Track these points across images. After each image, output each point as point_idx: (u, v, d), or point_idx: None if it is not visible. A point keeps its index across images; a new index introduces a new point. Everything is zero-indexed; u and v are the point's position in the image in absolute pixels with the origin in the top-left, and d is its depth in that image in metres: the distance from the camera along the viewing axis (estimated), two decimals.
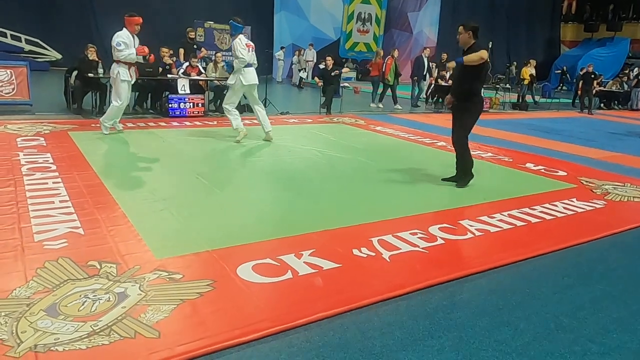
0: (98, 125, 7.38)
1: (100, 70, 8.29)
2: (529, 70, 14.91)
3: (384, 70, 12.25)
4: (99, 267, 2.77)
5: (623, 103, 17.28)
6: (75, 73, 8.34)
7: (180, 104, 8.69)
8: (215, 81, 9.61)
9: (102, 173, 4.71)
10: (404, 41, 23.02)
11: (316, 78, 11.05)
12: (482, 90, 5.33)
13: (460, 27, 4.87)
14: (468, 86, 4.90)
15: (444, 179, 5.27)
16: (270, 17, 19.86)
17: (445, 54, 14.16)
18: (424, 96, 13.81)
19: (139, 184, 4.53)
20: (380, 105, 12.38)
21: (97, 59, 8.43)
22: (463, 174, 5.17)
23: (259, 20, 19.91)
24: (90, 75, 8.07)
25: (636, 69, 22.77)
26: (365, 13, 22.65)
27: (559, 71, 20.14)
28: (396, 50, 12.85)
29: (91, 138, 6.43)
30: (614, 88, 17.03)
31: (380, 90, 12.54)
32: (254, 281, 2.76)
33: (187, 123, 8.19)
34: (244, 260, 2.99)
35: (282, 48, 18.49)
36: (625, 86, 17.26)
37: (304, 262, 3.03)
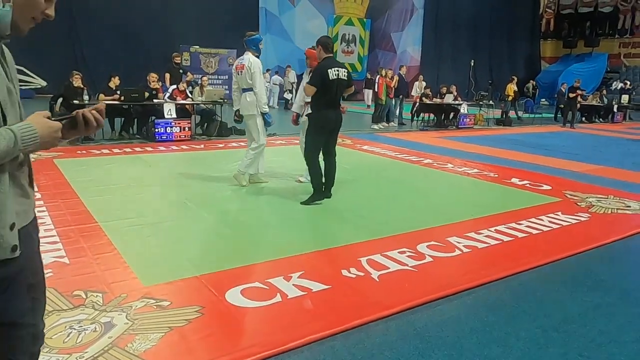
0: (84, 152, 7.36)
1: (86, 97, 8.28)
2: (513, 87, 15.20)
3: (376, 90, 12.55)
4: (84, 296, 2.74)
5: (604, 116, 17.67)
6: (60, 100, 8.31)
7: (167, 129, 8.69)
8: (202, 105, 9.65)
9: (88, 200, 4.67)
10: (389, 61, 23.40)
11: None
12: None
13: (316, 44, 5.07)
14: (311, 101, 5.02)
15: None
16: None
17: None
18: (407, 114, 14.01)
19: (126, 210, 4.50)
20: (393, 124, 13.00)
21: (82, 86, 8.43)
22: (313, 190, 5.06)
23: None
24: (76, 102, 8.04)
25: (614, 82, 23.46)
26: (349, 34, 23.04)
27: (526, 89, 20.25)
28: (383, 69, 13.40)
29: (77, 165, 6.39)
30: (594, 102, 17.41)
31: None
32: (243, 306, 2.74)
33: (174, 147, 8.19)
34: (232, 285, 2.97)
35: (267, 70, 18.64)
36: (606, 100, 17.67)
37: (293, 284, 3.02)
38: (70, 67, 10.06)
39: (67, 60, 15.59)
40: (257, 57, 5.39)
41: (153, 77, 9.26)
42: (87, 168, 6.27)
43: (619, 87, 21.62)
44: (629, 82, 21.12)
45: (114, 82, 8.76)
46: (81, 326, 2.42)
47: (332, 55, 5.08)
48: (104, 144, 8.12)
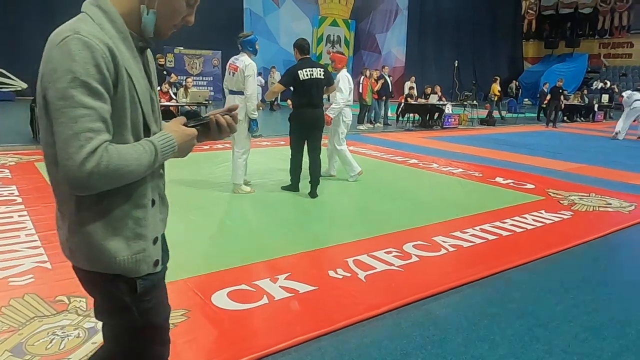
0: None
1: None
2: (497, 87, 15.38)
3: (360, 90, 12.48)
4: (67, 301, 2.69)
5: (585, 116, 17.97)
6: None
7: None
8: (187, 106, 9.59)
9: None
10: (374, 62, 23.48)
11: (288, 100, 11.10)
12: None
13: (293, 47, 5.38)
14: (292, 101, 5.44)
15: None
16: None
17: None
18: (393, 114, 14.09)
19: None
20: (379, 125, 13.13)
21: None
22: (290, 181, 5.50)
23: (230, 45, 20.00)
24: None
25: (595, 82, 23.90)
26: (334, 35, 23.08)
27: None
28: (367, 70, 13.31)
29: None
30: (575, 102, 17.70)
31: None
32: (230, 308, 2.73)
33: None
34: (218, 288, 2.95)
35: (260, 74, 18.58)
36: (587, 99, 17.97)
37: (279, 286, 3.01)
38: None
39: None
40: (253, 58, 5.27)
41: None
42: None
43: (599, 87, 22.02)
44: (609, 82, 21.53)
45: None
46: (64, 332, 2.38)
47: (307, 56, 5.30)
48: None
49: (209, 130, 1.34)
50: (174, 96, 9.66)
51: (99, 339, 2.33)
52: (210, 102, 9.92)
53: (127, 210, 1.23)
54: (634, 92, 12.70)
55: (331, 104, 5.86)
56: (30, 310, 2.59)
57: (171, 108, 9.47)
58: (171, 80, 10.70)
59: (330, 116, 5.86)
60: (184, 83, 10.56)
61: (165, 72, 10.90)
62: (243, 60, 5.15)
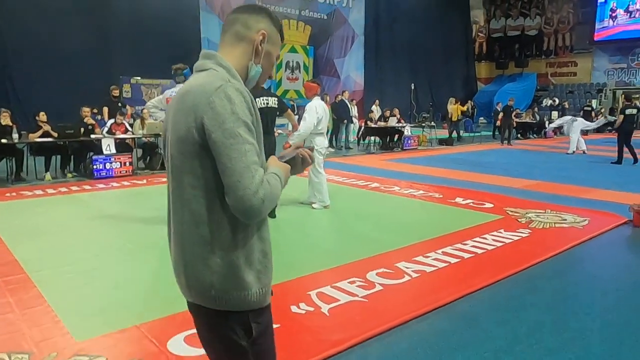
0: (14, 194, 6.91)
1: (15, 136, 7.83)
2: (457, 107, 15.84)
3: None
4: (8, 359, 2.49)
5: (537, 132, 18.69)
6: None
7: (106, 164, 8.34)
8: (143, 138, 9.36)
9: (17, 249, 4.34)
10: (333, 86, 23.81)
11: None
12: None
13: None
14: None
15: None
16: None
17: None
18: (354, 138, 14.24)
19: (60, 257, 4.20)
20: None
21: (11, 124, 7.97)
22: None
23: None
24: (4, 141, 7.59)
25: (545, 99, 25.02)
26: (293, 61, 23.32)
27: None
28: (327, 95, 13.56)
29: (5, 209, 5.98)
30: (527, 119, 18.41)
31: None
32: (187, 355, 2.59)
33: (114, 184, 7.84)
34: (175, 332, 2.80)
35: None
36: (538, 117, 18.74)
37: None
38: None
39: None
40: None
41: (85, 111, 8.93)
42: (17, 212, 5.86)
43: (549, 104, 23.05)
44: (557, 99, 22.57)
45: (41, 118, 8.35)
46: None
47: (262, 86, 5.25)
48: (37, 184, 7.65)
49: (293, 164, 1.45)
50: (129, 128, 9.41)
51: None
52: None
53: (258, 244, 1.35)
54: (564, 117, 15.48)
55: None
56: None
57: (127, 141, 9.22)
58: (127, 113, 10.47)
59: (289, 144, 5.84)
60: (140, 114, 10.33)
61: (120, 105, 10.65)
62: None
